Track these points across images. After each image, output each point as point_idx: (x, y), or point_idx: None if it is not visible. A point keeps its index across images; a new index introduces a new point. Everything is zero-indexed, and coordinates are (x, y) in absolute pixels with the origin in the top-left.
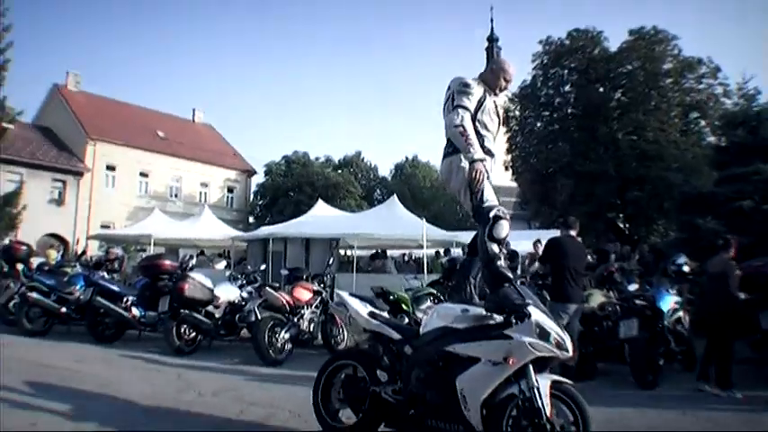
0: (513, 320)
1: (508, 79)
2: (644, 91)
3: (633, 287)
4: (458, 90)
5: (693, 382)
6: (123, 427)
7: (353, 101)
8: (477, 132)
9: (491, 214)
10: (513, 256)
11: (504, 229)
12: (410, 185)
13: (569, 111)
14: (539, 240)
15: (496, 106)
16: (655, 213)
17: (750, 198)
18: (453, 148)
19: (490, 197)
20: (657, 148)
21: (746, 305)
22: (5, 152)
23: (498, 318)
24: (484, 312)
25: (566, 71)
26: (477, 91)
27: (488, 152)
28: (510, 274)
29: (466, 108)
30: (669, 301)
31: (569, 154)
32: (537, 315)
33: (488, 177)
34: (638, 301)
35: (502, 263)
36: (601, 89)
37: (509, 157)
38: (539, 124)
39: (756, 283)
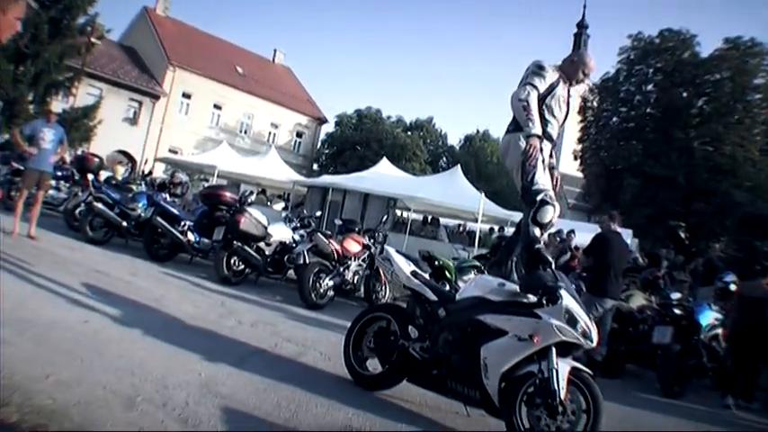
0: (545, 302)
1: (587, 73)
2: (729, 103)
3: (676, 296)
4: (532, 70)
5: (719, 399)
6: (165, 338)
7: (434, 66)
8: (542, 116)
9: (538, 197)
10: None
11: (548, 214)
12: (477, 158)
13: (647, 110)
14: (573, 231)
15: (569, 97)
16: (718, 228)
17: None
18: (515, 126)
19: (541, 180)
20: (732, 164)
21: None
22: (89, 66)
23: (532, 297)
24: (518, 290)
25: (651, 70)
26: (551, 76)
27: (549, 137)
28: (549, 258)
29: (535, 87)
30: (709, 317)
31: (640, 154)
32: (568, 301)
33: (543, 161)
34: (676, 310)
35: (541, 246)
36: (684, 94)
37: (580, 146)
38: (614, 119)
39: None
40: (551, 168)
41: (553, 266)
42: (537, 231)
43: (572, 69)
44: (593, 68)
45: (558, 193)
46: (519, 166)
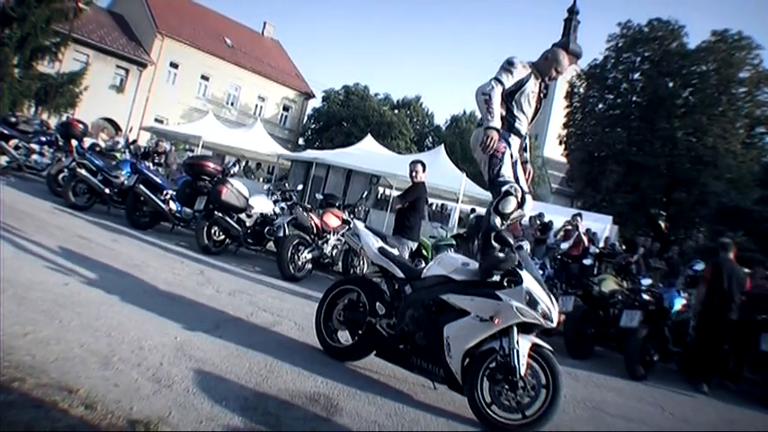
0: (506, 284)
1: (559, 71)
2: (714, 94)
3: (647, 282)
4: (502, 66)
5: (684, 384)
6: (143, 303)
7: (422, 45)
8: (511, 112)
9: (503, 189)
10: (545, 227)
11: (510, 204)
12: (462, 139)
13: (633, 99)
14: (579, 215)
15: (540, 93)
16: (697, 218)
17: None
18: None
19: (506, 173)
20: (714, 155)
21: (751, 326)
22: (77, 31)
23: (495, 278)
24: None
25: (638, 58)
26: (521, 72)
27: (517, 133)
28: (511, 241)
29: (501, 82)
30: (678, 303)
31: (624, 141)
32: (529, 283)
33: (513, 156)
34: (645, 296)
35: (503, 229)
36: (670, 84)
37: (565, 131)
38: (600, 105)
39: (764, 305)
40: (524, 163)
41: (514, 249)
42: (498, 221)
43: (545, 66)
44: (566, 66)
45: (529, 186)
46: (487, 158)
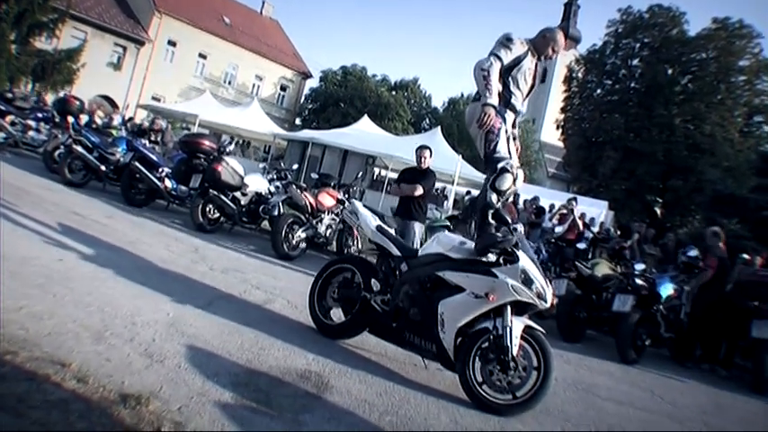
0: (502, 262)
1: (556, 50)
2: (712, 83)
3: (640, 267)
4: (500, 41)
5: (676, 369)
6: (136, 279)
7: (421, 27)
8: (507, 87)
9: (499, 165)
10: (539, 211)
11: (506, 181)
12: (459, 122)
13: (632, 85)
14: (575, 198)
15: (536, 70)
16: (693, 205)
17: None
18: (479, 95)
19: (502, 149)
20: (712, 143)
21: (743, 312)
22: (74, 8)
23: (491, 257)
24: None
25: (638, 45)
26: (519, 49)
27: (513, 109)
28: (509, 219)
29: (499, 58)
30: (670, 288)
31: (622, 128)
32: (525, 262)
33: (507, 132)
34: (638, 281)
35: (501, 208)
36: (669, 71)
37: (562, 116)
38: (598, 91)
39: (755, 292)
40: (513, 138)
41: (512, 227)
42: (494, 197)
43: (542, 44)
44: (562, 46)
45: (520, 161)
46: (483, 134)
